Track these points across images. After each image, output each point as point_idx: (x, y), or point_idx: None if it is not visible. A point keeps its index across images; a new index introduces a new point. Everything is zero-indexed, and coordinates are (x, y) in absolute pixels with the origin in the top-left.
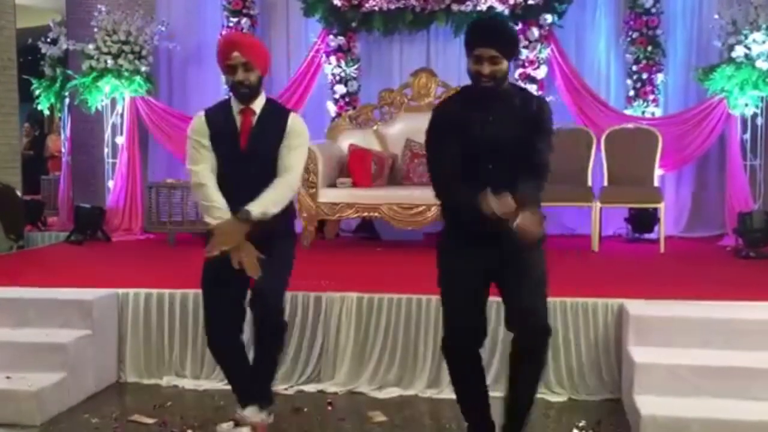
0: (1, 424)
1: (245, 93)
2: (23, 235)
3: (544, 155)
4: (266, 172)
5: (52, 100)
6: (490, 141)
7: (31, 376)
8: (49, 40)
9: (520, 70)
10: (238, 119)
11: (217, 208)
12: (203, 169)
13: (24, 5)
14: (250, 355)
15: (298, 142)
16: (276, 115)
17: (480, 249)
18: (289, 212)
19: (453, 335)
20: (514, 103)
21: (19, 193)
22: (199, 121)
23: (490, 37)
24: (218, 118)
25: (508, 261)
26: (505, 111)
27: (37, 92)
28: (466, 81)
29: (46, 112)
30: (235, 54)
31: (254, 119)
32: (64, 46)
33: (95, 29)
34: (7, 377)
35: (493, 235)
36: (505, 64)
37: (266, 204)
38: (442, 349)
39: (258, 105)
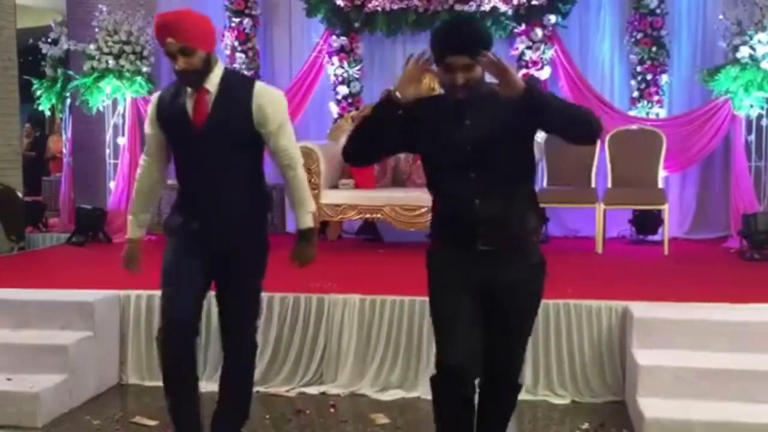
0: (2, 426)
1: (192, 80)
2: (24, 236)
3: (575, 109)
4: (229, 159)
5: (53, 100)
6: (469, 145)
7: (32, 378)
8: (50, 40)
9: (524, 71)
10: (190, 102)
11: (132, 224)
12: (146, 164)
13: (25, 5)
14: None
15: (276, 116)
16: (237, 90)
17: (474, 265)
18: (259, 211)
19: (450, 360)
20: (493, 100)
21: (20, 194)
22: (152, 103)
23: (461, 43)
24: (168, 100)
25: (502, 299)
26: (484, 111)
27: (38, 93)
28: None
29: (47, 113)
30: (169, 40)
31: (210, 99)
32: (65, 47)
33: (96, 29)
34: (8, 379)
35: (490, 253)
36: (478, 70)
37: (308, 203)
38: (433, 383)
39: (212, 82)
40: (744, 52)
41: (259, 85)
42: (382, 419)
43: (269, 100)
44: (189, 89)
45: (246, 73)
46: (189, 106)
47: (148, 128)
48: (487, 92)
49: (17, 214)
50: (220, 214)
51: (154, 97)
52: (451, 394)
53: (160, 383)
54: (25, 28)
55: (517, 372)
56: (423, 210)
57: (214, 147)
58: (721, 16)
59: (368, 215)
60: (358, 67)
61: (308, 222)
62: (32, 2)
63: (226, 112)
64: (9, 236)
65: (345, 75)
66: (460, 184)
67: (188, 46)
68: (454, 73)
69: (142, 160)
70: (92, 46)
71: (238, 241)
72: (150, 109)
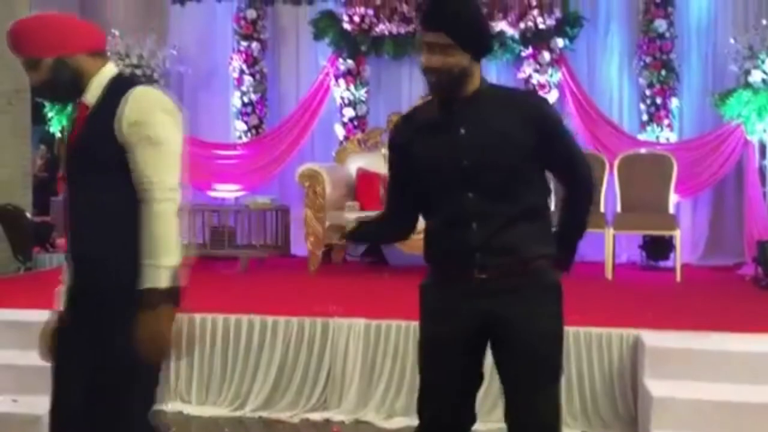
0: None
1: (55, 95)
2: (31, 256)
3: (581, 163)
4: (87, 187)
5: (64, 122)
6: (465, 161)
7: (37, 400)
8: None
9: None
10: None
11: None
12: None
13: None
14: None
15: (144, 128)
16: (112, 98)
17: (471, 302)
18: (129, 262)
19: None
20: (496, 106)
21: (29, 215)
22: None
23: (438, 17)
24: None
25: (512, 332)
26: (483, 118)
27: (49, 114)
28: None
29: (58, 135)
30: (18, 55)
31: (88, 114)
32: None
33: (108, 53)
34: (14, 400)
35: (489, 290)
36: (463, 57)
37: (158, 252)
38: None
39: (92, 94)
40: (756, 76)
41: (137, 90)
42: None
43: (144, 103)
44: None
45: (252, 96)
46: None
47: None
48: (488, 94)
49: (25, 234)
50: (75, 260)
51: None
52: None
53: (162, 407)
54: None
55: (552, 422)
56: None
57: (72, 171)
58: (732, 40)
59: None
60: (364, 90)
61: (154, 279)
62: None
63: (93, 126)
64: (16, 256)
65: (351, 97)
66: (453, 206)
67: (32, 57)
68: (431, 52)
69: None
70: None
71: (99, 324)
72: None
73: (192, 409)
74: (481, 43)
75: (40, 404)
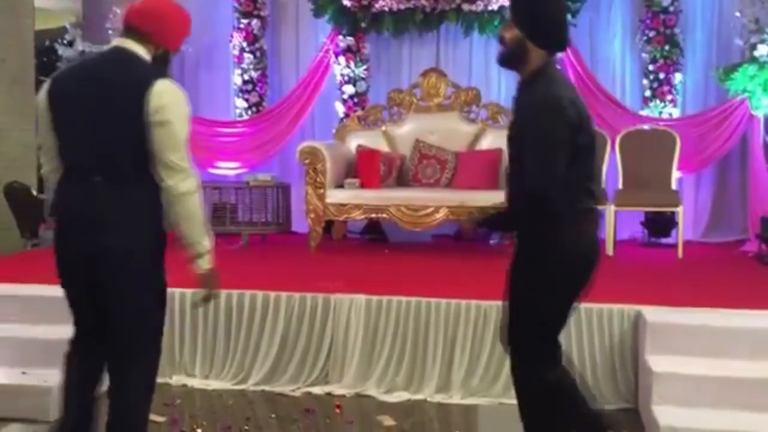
0: (16, 419)
1: None
2: (38, 233)
3: (532, 176)
4: None
5: None
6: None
7: (46, 372)
8: (65, 41)
9: None
10: None
11: None
12: None
13: (42, 7)
14: None
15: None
16: None
17: None
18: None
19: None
20: (528, 95)
21: (34, 192)
22: None
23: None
24: None
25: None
26: (520, 102)
27: None
28: (476, 81)
29: None
30: None
31: None
32: (80, 48)
33: (110, 31)
34: (23, 373)
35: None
36: (515, 32)
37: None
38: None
39: None
40: (762, 50)
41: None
42: (388, 421)
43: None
44: None
45: (253, 74)
46: None
47: None
48: (539, 83)
49: (32, 212)
50: None
51: None
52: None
53: (168, 380)
54: (42, 29)
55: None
56: (429, 209)
57: None
58: (737, 14)
59: (373, 215)
60: (364, 67)
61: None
62: (49, 4)
63: None
64: (23, 234)
65: (351, 75)
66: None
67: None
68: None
69: None
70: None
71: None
72: None
73: (196, 383)
74: (537, 27)
75: (49, 376)
